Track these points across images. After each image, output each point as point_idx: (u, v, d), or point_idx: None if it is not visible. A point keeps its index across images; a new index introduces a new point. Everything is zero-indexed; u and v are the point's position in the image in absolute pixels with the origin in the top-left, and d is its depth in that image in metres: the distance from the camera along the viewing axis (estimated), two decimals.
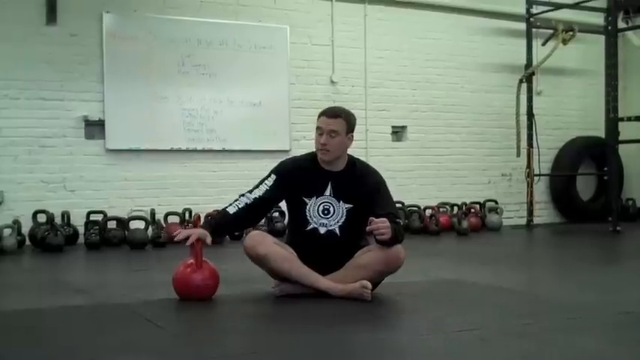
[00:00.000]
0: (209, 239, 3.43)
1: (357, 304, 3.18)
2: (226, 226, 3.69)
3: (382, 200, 3.54)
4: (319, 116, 3.59)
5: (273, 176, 3.61)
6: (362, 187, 3.56)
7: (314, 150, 3.65)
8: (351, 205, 3.55)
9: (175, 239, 3.46)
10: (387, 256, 3.37)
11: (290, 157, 3.85)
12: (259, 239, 3.50)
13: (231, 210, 3.54)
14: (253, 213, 3.58)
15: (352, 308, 3.13)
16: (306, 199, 3.56)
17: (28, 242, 6.44)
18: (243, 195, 3.59)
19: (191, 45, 7.33)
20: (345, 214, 3.55)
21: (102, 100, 6.98)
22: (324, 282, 3.42)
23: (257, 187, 3.60)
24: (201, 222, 3.65)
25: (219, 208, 7.35)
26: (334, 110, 3.62)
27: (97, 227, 6.54)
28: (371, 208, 3.45)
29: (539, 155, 8.58)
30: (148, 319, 3.08)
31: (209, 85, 7.40)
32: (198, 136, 7.36)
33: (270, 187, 3.57)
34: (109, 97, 6.98)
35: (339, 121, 3.52)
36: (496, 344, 2.56)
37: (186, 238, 3.41)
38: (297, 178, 3.58)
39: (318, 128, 3.54)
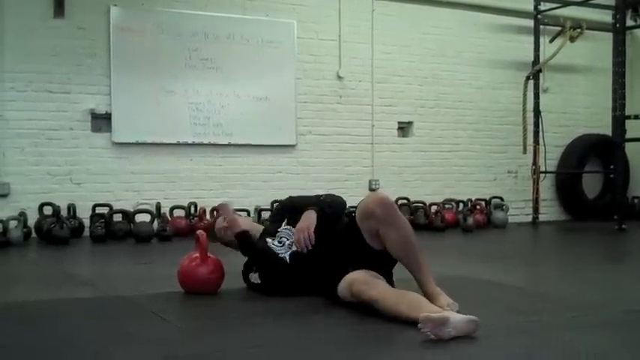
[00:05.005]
0: None
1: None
2: None
3: None
4: None
5: None
6: None
7: None
8: None
9: None
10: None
11: None
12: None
13: None
14: None
15: (356, 304, 3.14)
16: None
17: (33, 235, 6.47)
18: None
19: (198, 39, 7.34)
20: None
21: (109, 94, 6.99)
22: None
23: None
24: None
25: (225, 202, 7.41)
26: None
27: (103, 220, 6.55)
28: None
29: (545, 152, 8.56)
30: (153, 312, 3.09)
31: (216, 79, 7.40)
32: (205, 130, 7.37)
33: None
34: (116, 91, 7.00)
35: None
36: (499, 341, 2.57)
37: None
38: None
39: None
